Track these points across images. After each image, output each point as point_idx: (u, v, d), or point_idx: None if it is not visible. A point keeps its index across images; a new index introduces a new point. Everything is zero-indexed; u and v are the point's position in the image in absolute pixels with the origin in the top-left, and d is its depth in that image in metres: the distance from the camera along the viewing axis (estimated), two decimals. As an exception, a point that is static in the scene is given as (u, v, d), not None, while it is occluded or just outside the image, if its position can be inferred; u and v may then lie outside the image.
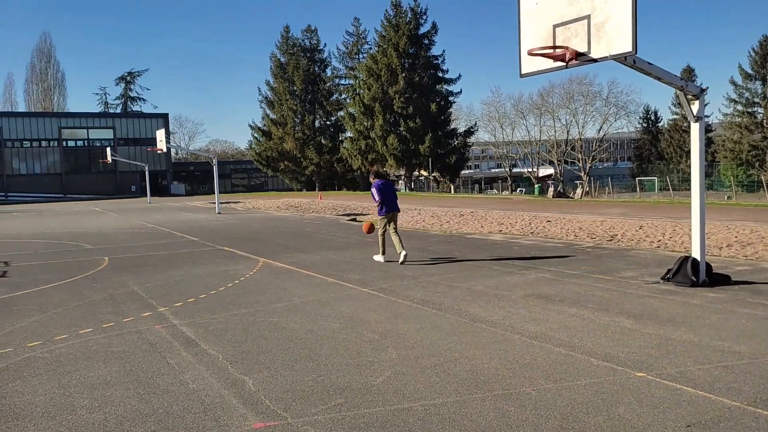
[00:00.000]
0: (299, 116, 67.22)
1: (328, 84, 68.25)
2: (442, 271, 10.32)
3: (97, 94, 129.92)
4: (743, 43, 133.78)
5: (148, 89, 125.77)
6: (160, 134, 35.87)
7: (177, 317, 7.44)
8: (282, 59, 67.27)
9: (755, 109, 63.40)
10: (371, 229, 12.57)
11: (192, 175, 78.39)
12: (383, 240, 11.72)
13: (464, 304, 7.73)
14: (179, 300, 8.52)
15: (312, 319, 7.13)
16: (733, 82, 64.34)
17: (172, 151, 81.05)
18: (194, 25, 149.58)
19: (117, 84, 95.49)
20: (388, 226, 11.66)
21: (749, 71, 63.11)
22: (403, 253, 11.20)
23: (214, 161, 32.40)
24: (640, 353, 5.46)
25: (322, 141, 67.59)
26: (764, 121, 61.95)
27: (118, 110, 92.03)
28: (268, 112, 68.45)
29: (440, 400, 4.50)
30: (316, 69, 67.99)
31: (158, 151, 38.27)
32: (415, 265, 11.07)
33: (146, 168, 51.44)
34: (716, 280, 8.47)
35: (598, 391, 4.57)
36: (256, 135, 69.07)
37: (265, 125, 68.55)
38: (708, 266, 8.56)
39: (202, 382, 5.04)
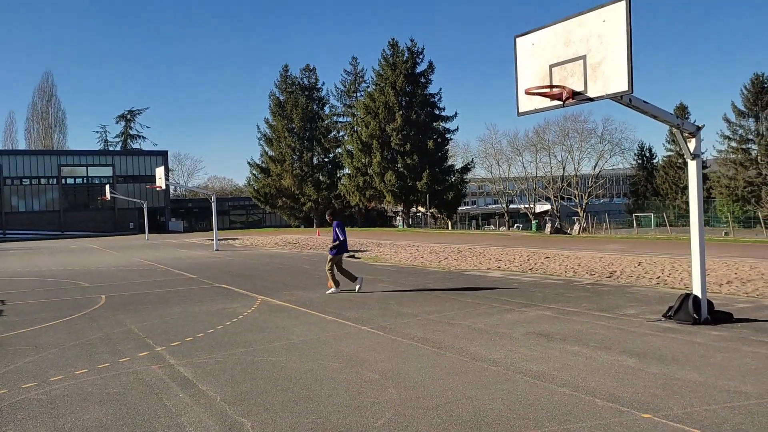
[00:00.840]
0: (297, 153, 67.68)
1: (326, 121, 68.95)
2: (442, 309, 10.24)
3: (97, 132, 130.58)
4: (736, 80, 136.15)
5: (148, 127, 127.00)
6: (159, 171, 36.02)
7: (174, 357, 7.34)
8: (281, 97, 68.08)
9: (749, 145, 64.08)
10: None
11: (190, 212, 78.47)
12: (332, 273, 12.79)
13: (465, 342, 7.65)
14: (176, 339, 8.41)
15: (311, 359, 7.03)
16: (727, 120, 65.20)
17: (171, 188, 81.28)
18: (195, 64, 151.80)
19: (117, 122, 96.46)
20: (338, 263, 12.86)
21: (742, 108, 64.03)
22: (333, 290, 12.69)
23: (213, 198, 32.47)
24: (645, 393, 5.38)
25: (320, 178, 67.92)
26: (758, 157, 62.54)
27: (118, 148, 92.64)
28: (266, 149, 68.97)
29: (443, 442, 4.40)
30: (315, 107, 68.76)
31: (157, 189, 38.38)
32: (414, 303, 10.99)
33: (145, 205, 51.51)
34: (718, 317, 8.41)
35: (604, 433, 4.48)
36: (254, 172, 69.41)
37: (263, 162, 68.95)
38: (710, 304, 8.51)
39: (199, 425, 4.94)
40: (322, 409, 5.23)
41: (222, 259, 23.73)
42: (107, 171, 69.53)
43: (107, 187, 54.43)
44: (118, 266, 21.93)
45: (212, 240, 32.33)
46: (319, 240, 36.00)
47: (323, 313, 10.17)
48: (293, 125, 66.89)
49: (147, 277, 17.71)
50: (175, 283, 15.64)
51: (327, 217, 13.23)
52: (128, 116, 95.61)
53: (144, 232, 50.79)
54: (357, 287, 12.69)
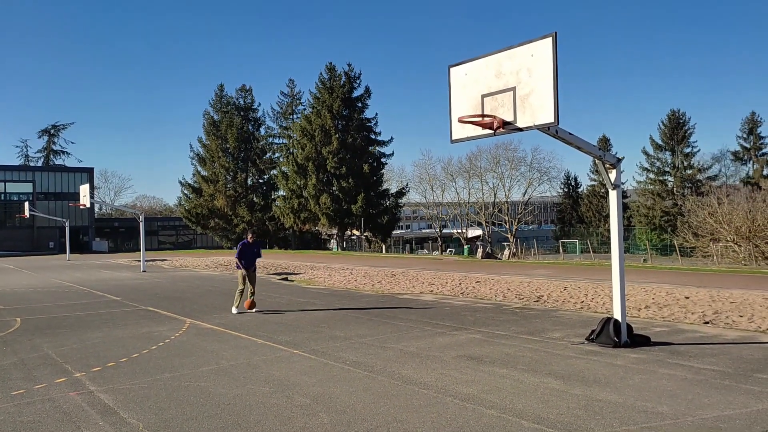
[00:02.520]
0: (231, 174, 66.57)
1: (261, 143, 68.25)
2: (374, 332, 10.26)
3: (17, 146, 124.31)
4: (654, 115, 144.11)
5: (73, 143, 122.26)
6: (84, 189, 34.59)
7: (94, 383, 7.02)
8: (215, 117, 66.97)
9: (666, 177, 67.92)
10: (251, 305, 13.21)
11: (116, 232, 75.53)
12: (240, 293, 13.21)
13: (396, 365, 7.69)
14: (97, 364, 8.05)
15: (241, 383, 6.89)
16: (646, 152, 68.99)
17: (96, 206, 78.08)
18: (124, 80, 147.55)
19: (40, 137, 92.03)
20: (247, 281, 13.24)
21: (660, 142, 67.92)
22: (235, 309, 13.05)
23: (141, 217, 31.43)
24: (569, 414, 5.56)
25: (255, 199, 66.95)
26: (674, 188, 66.32)
27: (40, 164, 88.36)
28: (199, 168, 67.48)
29: (373, 467, 4.40)
30: (250, 127, 68.00)
31: (81, 207, 36.77)
32: (347, 326, 10.96)
33: (67, 224, 49.21)
34: (637, 341, 8.81)
35: (530, 453, 4.60)
36: (185, 191, 67.69)
37: (195, 182, 67.39)
38: (629, 327, 8.90)
39: (120, 453, 4.73)
40: (251, 435, 5.12)
41: (149, 281, 22.93)
42: (27, 187, 66.14)
43: (26, 204, 51.70)
44: (35, 287, 20.80)
45: (139, 261, 31.20)
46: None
47: (254, 337, 9.99)
48: (228, 145, 65.84)
49: (67, 299, 16.88)
50: (98, 306, 14.98)
51: (253, 238, 13.48)
52: (51, 131, 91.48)
53: (65, 252, 48.46)
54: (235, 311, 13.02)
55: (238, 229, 65.81)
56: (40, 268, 34.10)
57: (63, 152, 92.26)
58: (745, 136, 69.59)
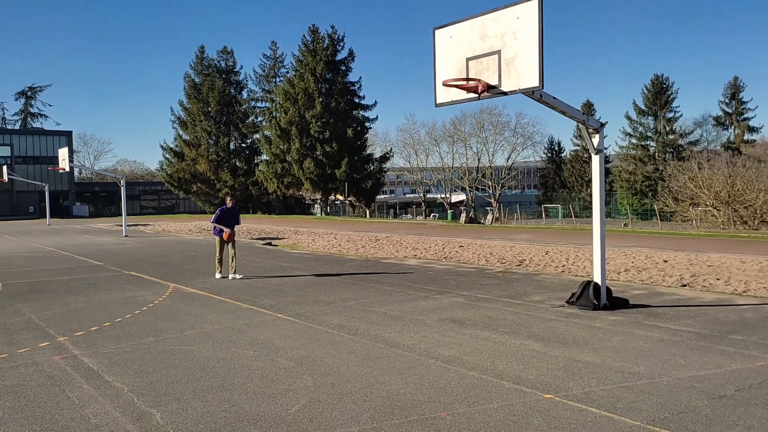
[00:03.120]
0: (214, 138, 65.74)
1: (244, 106, 67.30)
2: (358, 296, 10.33)
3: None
4: (638, 80, 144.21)
5: (50, 105, 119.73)
6: (63, 153, 34.01)
7: (78, 347, 7.02)
8: (196, 80, 65.74)
9: (648, 142, 68.35)
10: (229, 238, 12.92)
11: (97, 196, 74.60)
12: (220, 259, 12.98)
13: (380, 329, 7.77)
14: (80, 329, 8.05)
15: (225, 347, 6.93)
16: (629, 117, 69.23)
17: (76, 170, 76.96)
18: (103, 41, 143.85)
19: (17, 99, 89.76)
20: (226, 246, 12.98)
21: (643, 107, 68.13)
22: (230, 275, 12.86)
23: (122, 182, 31.07)
24: (548, 375, 5.68)
25: (237, 163, 66.35)
26: (656, 153, 66.83)
27: (17, 127, 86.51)
28: (180, 132, 66.49)
29: (357, 427, 4.49)
30: (232, 91, 66.93)
31: (60, 171, 36.24)
32: (331, 290, 11.03)
33: (46, 188, 48.50)
34: (616, 303, 8.98)
35: (510, 413, 4.71)
36: (167, 156, 66.82)
37: (177, 146, 66.50)
38: (608, 290, 9.06)
39: (105, 416, 4.77)
40: (236, 397, 5.18)
41: (131, 246, 22.80)
42: (5, 151, 64.83)
43: (4, 168, 50.74)
44: (16, 252, 20.60)
45: (121, 225, 30.97)
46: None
47: (238, 301, 10.02)
48: (209, 109, 64.83)
49: (49, 264, 16.76)
50: (80, 271, 14.90)
51: (232, 203, 13.20)
52: (29, 93, 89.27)
53: (45, 217, 47.92)
54: (218, 276, 12.89)
55: (221, 194, 65.39)
56: (21, 232, 33.71)
57: (41, 115, 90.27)
58: (727, 101, 70.07)
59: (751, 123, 69.04)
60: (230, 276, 12.78)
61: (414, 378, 5.66)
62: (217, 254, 12.92)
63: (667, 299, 9.61)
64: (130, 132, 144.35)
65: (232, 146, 67.19)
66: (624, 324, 7.82)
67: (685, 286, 11.09)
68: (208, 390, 5.38)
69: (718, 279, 11.75)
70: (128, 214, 33.03)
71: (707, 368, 5.82)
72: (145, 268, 15.30)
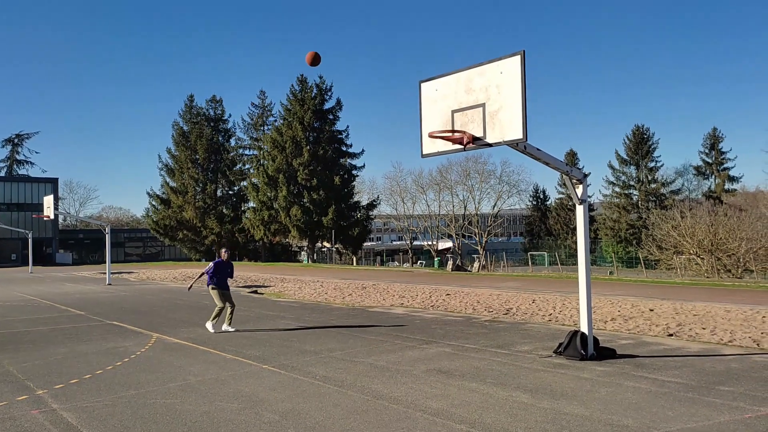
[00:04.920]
0: (201, 185, 65.84)
1: (231, 154, 67.70)
2: (344, 346, 10.22)
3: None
4: (620, 129, 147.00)
5: (37, 152, 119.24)
6: (48, 200, 33.84)
7: (57, 401, 6.85)
8: (185, 127, 66.25)
9: (631, 191, 69.43)
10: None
11: (81, 243, 73.85)
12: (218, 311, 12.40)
13: (366, 380, 7.67)
14: (60, 381, 7.86)
15: (208, 400, 6.79)
16: (611, 166, 70.46)
17: (60, 217, 76.38)
18: (91, 89, 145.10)
19: (3, 146, 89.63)
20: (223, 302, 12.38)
21: (625, 157, 69.47)
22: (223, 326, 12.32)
23: (107, 229, 30.85)
24: (537, 428, 5.61)
25: (224, 210, 66.28)
26: (639, 202, 67.77)
27: (2, 174, 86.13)
28: (167, 179, 66.56)
29: (342, 484, 4.38)
30: (220, 138, 67.45)
31: (45, 218, 35.94)
32: (317, 340, 10.90)
33: (30, 235, 48.00)
34: (603, 353, 8.95)
35: (498, 468, 4.63)
36: (154, 203, 66.68)
37: (164, 193, 66.46)
38: (595, 340, 9.04)
39: (83, 474, 4.62)
40: (219, 453, 5.06)
41: (114, 294, 22.48)
42: (-12, 197, 64.37)
43: (-13, 215, 50.30)
44: (-5, 301, 20.21)
45: (104, 273, 30.59)
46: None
47: (223, 352, 9.87)
48: (197, 156, 65.15)
49: (29, 313, 16.45)
50: (61, 320, 14.63)
51: (227, 255, 12.64)
52: (15, 140, 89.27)
53: (28, 265, 47.24)
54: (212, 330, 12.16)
55: (207, 241, 65.09)
56: (2, 280, 33.16)
57: (27, 162, 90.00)
58: (707, 151, 71.61)
59: (732, 173, 70.52)
60: (223, 327, 12.21)
61: (401, 431, 5.57)
62: (218, 304, 12.26)
63: (653, 349, 9.60)
64: (117, 179, 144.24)
65: (219, 193, 67.27)
66: (612, 375, 7.78)
67: (671, 335, 11.10)
68: (191, 446, 5.25)
69: (703, 328, 11.78)
70: (112, 262, 32.69)
71: (696, 420, 5.78)
72: (128, 317, 15.06)
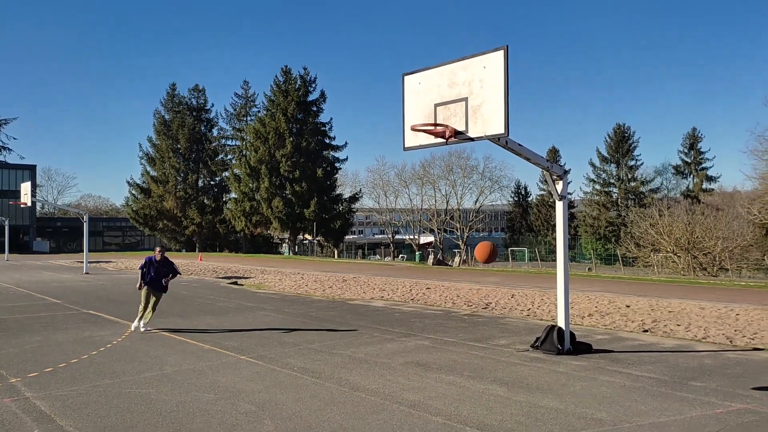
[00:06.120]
0: (182, 175, 65.22)
1: (214, 144, 67.12)
2: (323, 338, 10.22)
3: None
4: (602, 128, 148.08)
5: (15, 138, 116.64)
6: (25, 187, 33.27)
7: (31, 389, 6.76)
8: (166, 116, 65.52)
9: (611, 189, 70.15)
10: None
11: (59, 232, 72.87)
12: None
13: (344, 372, 7.68)
14: (34, 370, 7.76)
15: (184, 390, 6.75)
16: (592, 164, 71.12)
17: (38, 205, 75.19)
18: (71, 76, 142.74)
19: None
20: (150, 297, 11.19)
21: (606, 155, 70.14)
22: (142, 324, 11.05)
23: (85, 217, 30.45)
24: (512, 421, 5.67)
25: (205, 201, 65.76)
26: (619, 200, 68.50)
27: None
28: (148, 168, 65.83)
29: (317, 474, 4.39)
30: (203, 128, 66.82)
31: (22, 205, 35.35)
32: (295, 332, 10.89)
33: (6, 222, 47.22)
34: (579, 348, 9.05)
35: (473, 460, 4.67)
36: (133, 192, 65.92)
37: (144, 182, 65.73)
38: (572, 335, 9.14)
39: (55, 463, 4.58)
40: (193, 443, 5.03)
41: (92, 283, 22.22)
42: (-36, 184, 63.22)
43: (-38, 200, 49.39)
44: (-31, 288, 19.88)
45: (82, 262, 30.20)
46: (201, 265, 34.72)
47: (201, 342, 9.81)
48: (179, 146, 64.49)
49: (4, 301, 16.20)
50: (37, 309, 14.44)
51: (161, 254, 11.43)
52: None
53: (4, 252, 46.50)
54: (135, 325, 11.13)
55: (187, 232, 64.60)
56: (-25, 268, 32.60)
57: (5, 148, 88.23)
58: (686, 151, 72.48)
59: (710, 172, 71.43)
60: (141, 325, 11.01)
61: (378, 423, 5.58)
62: (141, 305, 11.06)
63: (629, 344, 9.73)
64: (96, 167, 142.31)
65: (200, 183, 66.72)
66: (587, 369, 7.88)
67: (646, 331, 11.26)
68: (165, 435, 5.22)
69: (678, 325, 11.97)
70: (90, 251, 32.31)
71: (667, 415, 5.88)
72: (105, 306, 14.91)
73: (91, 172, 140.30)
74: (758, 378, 7.39)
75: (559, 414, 5.89)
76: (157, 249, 11.59)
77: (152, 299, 11.17)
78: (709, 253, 35.02)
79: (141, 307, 11.12)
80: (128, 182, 66.10)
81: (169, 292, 18.61)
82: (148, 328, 11.07)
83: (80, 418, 5.68)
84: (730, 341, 10.21)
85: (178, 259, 43.57)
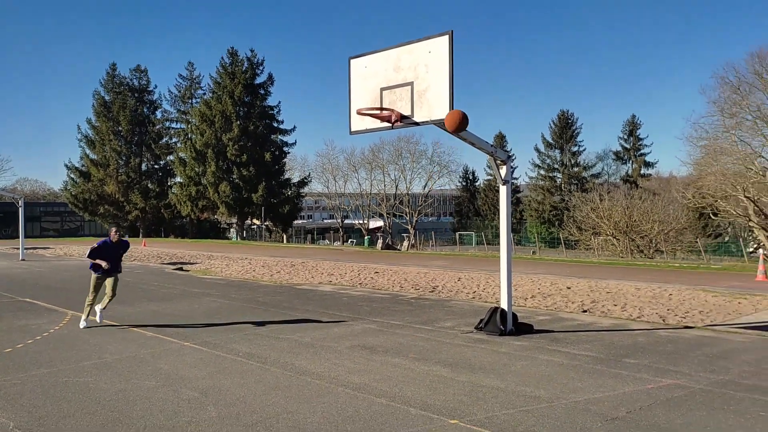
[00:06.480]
0: (124, 158, 63.18)
1: (157, 126, 65.17)
2: (270, 323, 10.16)
3: None
4: (547, 114, 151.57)
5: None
6: (-46, 169, 31.62)
7: (-41, 381, 6.49)
8: (107, 97, 63.14)
9: (555, 174, 71.84)
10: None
11: (-8, 217, 69.64)
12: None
13: (290, 356, 7.67)
14: (-36, 361, 7.44)
15: (125, 378, 6.61)
16: (538, 150, 72.60)
17: (-32, 188, 71.55)
18: (6, 54, 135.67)
19: None
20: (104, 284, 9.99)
21: (550, 141, 71.67)
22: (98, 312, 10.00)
23: (21, 202, 29.19)
24: (454, 401, 5.79)
25: (149, 185, 63.98)
26: (562, 185, 70.28)
27: None
28: (88, 151, 63.45)
29: (260, 458, 4.38)
30: (145, 110, 64.77)
31: (-51, 189, 33.61)
32: (242, 317, 10.78)
33: (-68, 207, 44.80)
34: (521, 329, 9.30)
35: (415, 439, 4.76)
36: (72, 176, 63.51)
37: (84, 166, 63.37)
38: (514, 316, 9.38)
39: (-15, 455, 4.43)
40: (133, 431, 4.94)
41: (29, 270, 21.38)
42: None
43: None
44: None
45: (18, 249, 29.00)
46: (145, 251, 33.87)
47: (143, 329, 9.61)
48: (120, 128, 62.36)
49: (-69, 290, 15.42)
50: (-33, 297, 13.81)
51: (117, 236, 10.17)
52: None
53: (-70, 238, 44.17)
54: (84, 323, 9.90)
55: (130, 217, 62.82)
56: None
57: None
58: (625, 137, 74.77)
59: (648, 158, 73.93)
60: (98, 311, 9.98)
61: (322, 406, 5.61)
62: (89, 295, 9.89)
63: (568, 324, 10.05)
64: (32, 150, 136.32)
65: (143, 167, 64.85)
66: (528, 349, 8.11)
67: (585, 311, 11.65)
68: (103, 424, 5.11)
69: (615, 305, 12.43)
70: (27, 237, 31.05)
71: (602, 391, 6.12)
72: (42, 294, 14.39)
73: (28, 154, 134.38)
74: (687, 355, 7.77)
75: (500, 392, 6.05)
76: (113, 230, 10.35)
77: (109, 284, 9.87)
78: (646, 236, 36.42)
79: (89, 298, 9.82)
80: (67, 166, 63.64)
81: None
82: (102, 319, 10.01)
83: (14, 409, 5.50)
84: (663, 320, 10.69)
85: (121, 245, 42.32)
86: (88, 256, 9.90)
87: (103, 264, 9.74)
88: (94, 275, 9.96)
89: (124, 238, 10.47)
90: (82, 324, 9.84)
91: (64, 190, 66.01)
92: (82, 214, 64.25)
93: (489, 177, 79.45)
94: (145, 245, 41.13)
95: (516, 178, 77.30)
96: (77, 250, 34.59)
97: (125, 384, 6.37)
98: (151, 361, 7.45)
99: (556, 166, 71.87)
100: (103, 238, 10.31)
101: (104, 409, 5.52)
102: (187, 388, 6.20)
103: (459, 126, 7.99)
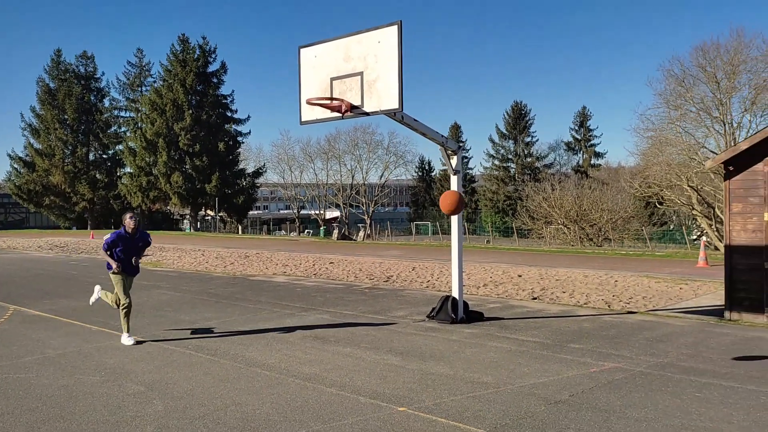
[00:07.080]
0: (70, 147, 61.21)
1: (105, 115, 63.32)
2: (221, 315, 10.05)
3: None
4: (502, 104, 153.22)
5: None
6: None
7: None
8: (51, 85, 61.00)
9: (509, 164, 73.00)
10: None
11: (-72, 209, 66.56)
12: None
13: (241, 348, 7.61)
14: None
15: (68, 373, 6.44)
16: (492, 140, 73.58)
17: None
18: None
19: None
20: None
21: (504, 131, 72.72)
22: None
23: (-42, 194, 27.95)
24: (404, 388, 5.86)
25: (97, 175, 62.19)
26: (516, 175, 71.47)
27: None
28: (32, 141, 61.24)
29: (206, 451, 4.35)
30: (92, 98, 62.83)
31: None
32: (193, 309, 10.63)
33: None
34: (472, 317, 9.46)
35: (364, 428, 4.80)
36: (16, 166, 61.25)
37: (28, 155, 61.15)
38: (465, 304, 9.52)
39: None
40: (74, 427, 4.83)
41: (-33, 265, 20.53)
42: None
43: None
44: None
45: (-44, 242, 27.78)
46: (93, 243, 32.94)
47: (88, 323, 9.37)
48: (66, 116, 60.35)
49: None
50: None
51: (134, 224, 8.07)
52: None
53: None
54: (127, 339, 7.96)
55: (78, 208, 60.98)
56: None
57: None
58: (576, 128, 76.44)
59: (597, 149, 75.78)
60: (92, 297, 8.82)
61: (271, 397, 5.59)
62: (122, 299, 8.05)
63: (518, 312, 10.27)
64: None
65: (91, 157, 63.01)
66: (478, 336, 8.25)
67: (535, 299, 11.92)
68: (44, 421, 4.97)
69: (563, 292, 12.75)
70: (-35, 230, 29.73)
71: (547, 376, 6.28)
72: (-18, 289, 13.85)
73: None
74: (629, 339, 8.04)
75: (449, 379, 6.15)
76: (128, 216, 8.10)
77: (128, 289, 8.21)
78: (595, 224, 37.43)
79: (123, 303, 8.00)
80: (10, 156, 61.34)
81: (55, 270, 17.64)
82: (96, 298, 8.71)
83: (-52, 409, 5.30)
84: (608, 306, 11.03)
85: (67, 237, 41.11)
86: (104, 250, 8.02)
87: (114, 265, 7.91)
88: (115, 275, 8.04)
89: (144, 231, 8.45)
90: (129, 341, 7.88)
91: (8, 180, 63.55)
92: (27, 205, 62.12)
93: (444, 167, 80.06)
94: (93, 237, 40.02)
95: (471, 169, 78.23)
96: (22, 243, 33.40)
97: (68, 379, 6.21)
98: (96, 355, 7.28)
99: (510, 156, 73.02)
100: (115, 230, 8.25)
101: (45, 405, 5.37)
102: (132, 383, 6.09)
103: (455, 209, 8.65)
